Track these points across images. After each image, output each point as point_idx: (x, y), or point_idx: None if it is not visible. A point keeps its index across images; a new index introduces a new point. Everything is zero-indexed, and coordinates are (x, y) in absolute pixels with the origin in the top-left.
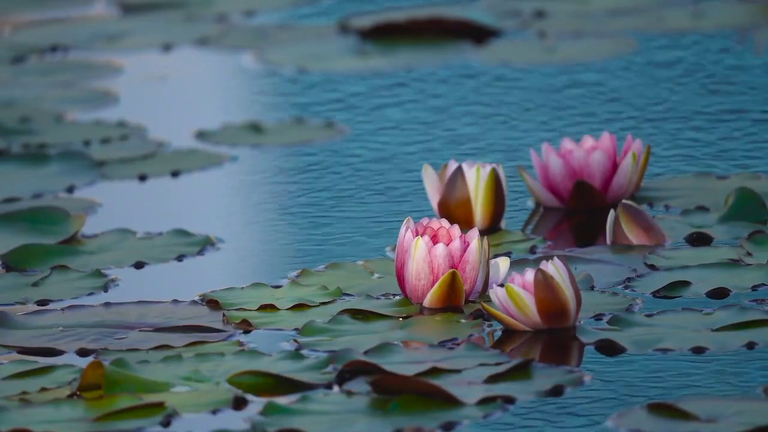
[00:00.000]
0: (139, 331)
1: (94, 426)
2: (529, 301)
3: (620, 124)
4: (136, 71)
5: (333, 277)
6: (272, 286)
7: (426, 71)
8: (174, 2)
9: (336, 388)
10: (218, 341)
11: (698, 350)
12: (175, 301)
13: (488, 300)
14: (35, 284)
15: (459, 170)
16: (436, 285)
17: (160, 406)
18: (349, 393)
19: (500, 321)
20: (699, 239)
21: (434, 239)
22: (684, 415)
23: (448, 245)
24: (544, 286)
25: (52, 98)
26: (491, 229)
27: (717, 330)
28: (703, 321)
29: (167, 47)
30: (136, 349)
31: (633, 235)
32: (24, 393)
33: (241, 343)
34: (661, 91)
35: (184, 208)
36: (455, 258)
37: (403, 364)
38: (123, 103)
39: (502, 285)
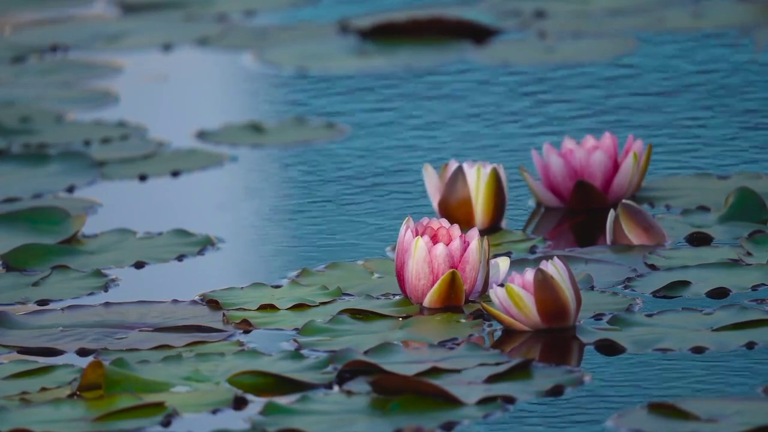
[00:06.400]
0: (139, 331)
1: (94, 426)
2: (529, 301)
3: (621, 124)
4: (136, 71)
5: (333, 277)
6: (272, 286)
7: (426, 71)
8: (174, 2)
9: (336, 388)
10: (218, 341)
11: (698, 350)
12: (175, 301)
13: (488, 300)
14: (35, 284)
15: (459, 170)
16: (436, 285)
17: (160, 406)
18: (349, 393)
19: (500, 321)
20: (699, 239)
21: (434, 239)
22: (684, 415)
23: (448, 245)
24: (544, 286)
25: (52, 98)
26: (491, 229)
27: (717, 330)
28: (703, 321)
29: (167, 47)
30: (136, 349)
31: (633, 235)
32: (24, 393)
33: (241, 343)
34: (662, 91)
35: (184, 208)
36: (455, 258)
37: (403, 364)
38: (123, 103)
39: (502, 285)
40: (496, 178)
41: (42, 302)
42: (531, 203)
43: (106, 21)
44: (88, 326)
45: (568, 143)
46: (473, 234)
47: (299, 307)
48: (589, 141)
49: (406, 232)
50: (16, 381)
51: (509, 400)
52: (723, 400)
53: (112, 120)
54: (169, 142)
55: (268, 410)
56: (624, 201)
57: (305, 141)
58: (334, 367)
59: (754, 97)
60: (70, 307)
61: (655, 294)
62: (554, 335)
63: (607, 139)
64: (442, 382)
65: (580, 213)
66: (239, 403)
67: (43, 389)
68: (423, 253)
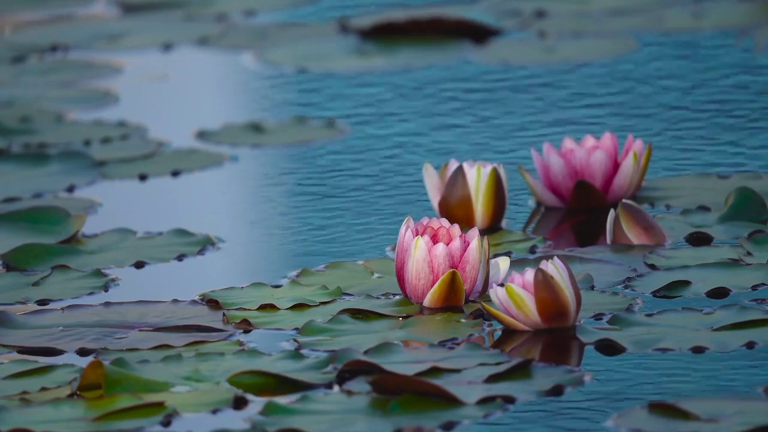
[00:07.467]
0: (139, 330)
1: (94, 426)
2: (529, 301)
3: (621, 124)
4: (136, 71)
5: (333, 277)
6: (272, 286)
7: (426, 71)
8: (174, 2)
9: (336, 388)
10: (218, 341)
11: (698, 350)
12: (175, 301)
13: (488, 300)
14: (35, 284)
15: (460, 170)
16: (436, 285)
17: (160, 405)
18: (349, 393)
19: (500, 321)
20: (699, 239)
21: (434, 239)
22: (684, 415)
23: (448, 245)
24: (544, 286)
25: (52, 98)
26: (492, 229)
27: (717, 330)
28: (703, 321)
29: (167, 47)
30: (136, 349)
31: (633, 235)
32: (24, 393)
33: (241, 343)
34: (662, 90)
35: (184, 208)
36: (455, 258)
37: (403, 364)
38: (123, 103)
39: (502, 285)
40: (496, 177)
41: (42, 302)
42: (531, 203)
43: (106, 21)
44: (88, 326)
45: (568, 143)
46: (473, 234)
47: (299, 306)
48: (589, 141)
49: (406, 231)
50: (16, 381)
51: (509, 400)
52: (723, 400)
53: (112, 120)
54: (169, 142)
55: (268, 410)
56: (624, 201)
57: (305, 141)
58: (334, 367)
59: (755, 97)
60: (70, 306)
61: (655, 294)
62: (554, 335)
63: (607, 139)
64: (442, 382)
65: (580, 213)
66: (239, 403)
67: (43, 389)
68: (423, 253)
